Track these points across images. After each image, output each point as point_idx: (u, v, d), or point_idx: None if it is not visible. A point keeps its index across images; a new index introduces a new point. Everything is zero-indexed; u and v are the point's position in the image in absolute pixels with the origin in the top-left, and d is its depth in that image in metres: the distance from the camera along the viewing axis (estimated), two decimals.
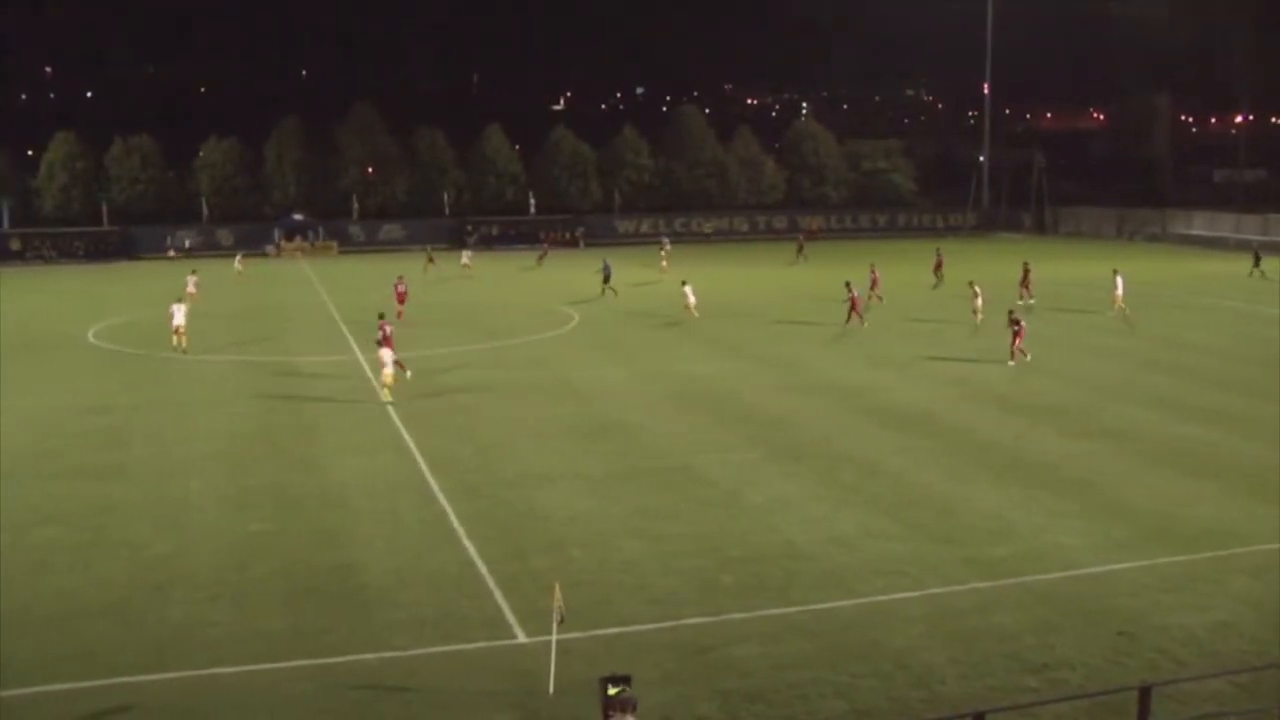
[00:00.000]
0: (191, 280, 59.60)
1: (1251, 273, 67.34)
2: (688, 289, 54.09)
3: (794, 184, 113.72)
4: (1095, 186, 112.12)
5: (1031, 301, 55.52)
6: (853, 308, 49.82)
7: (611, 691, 13.59)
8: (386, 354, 37.71)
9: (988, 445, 30.86)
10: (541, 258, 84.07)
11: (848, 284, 50.93)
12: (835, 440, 31.52)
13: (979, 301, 49.39)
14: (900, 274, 66.95)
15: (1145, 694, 14.70)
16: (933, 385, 38.54)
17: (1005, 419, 33.81)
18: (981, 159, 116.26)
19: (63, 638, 19.31)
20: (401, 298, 55.28)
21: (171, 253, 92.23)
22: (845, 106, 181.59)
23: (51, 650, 18.85)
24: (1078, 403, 35.68)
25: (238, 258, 79.94)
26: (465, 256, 78.51)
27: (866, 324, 49.99)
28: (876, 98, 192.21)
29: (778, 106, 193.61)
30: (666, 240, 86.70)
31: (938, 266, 65.58)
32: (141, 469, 29.42)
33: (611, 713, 13.58)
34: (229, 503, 26.52)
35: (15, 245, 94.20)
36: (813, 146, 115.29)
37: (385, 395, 36.96)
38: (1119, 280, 53.04)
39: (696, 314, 53.10)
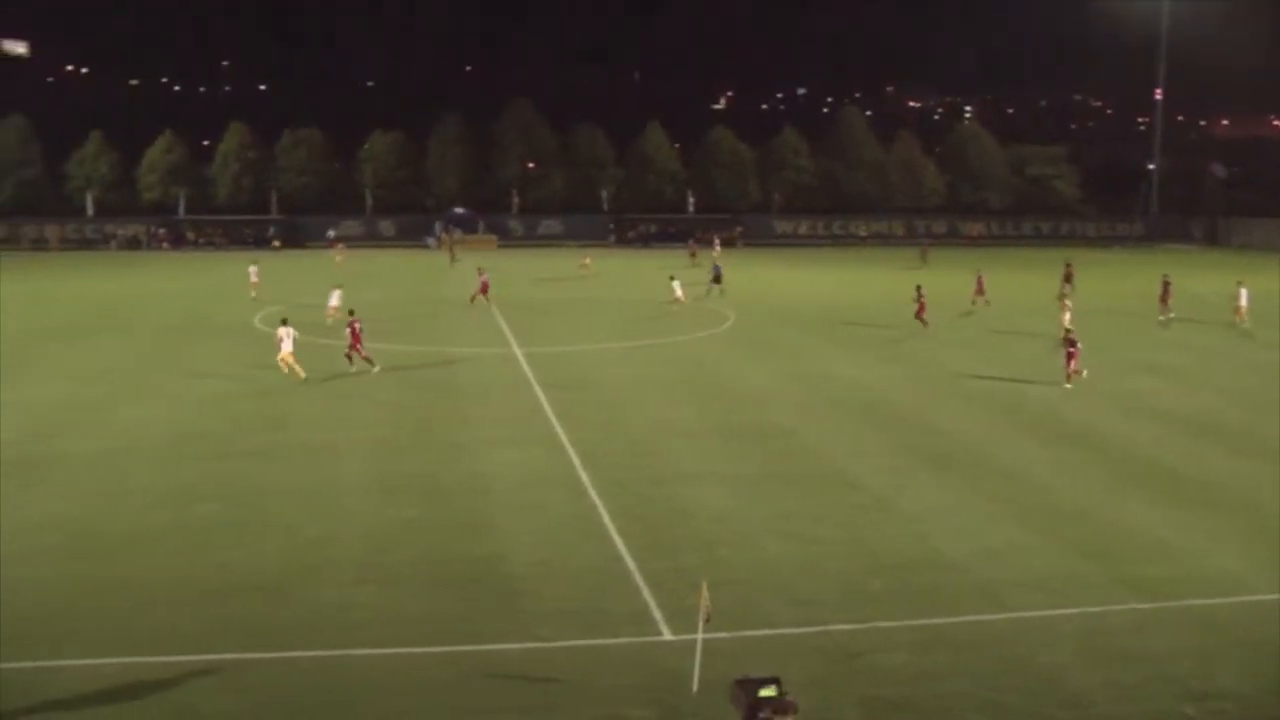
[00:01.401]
0: (253, 270, 62.05)
1: None
2: (675, 283, 57.05)
3: (954, 189, 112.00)
4: (1276, 198, 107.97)
5: (1165, 317, 53.98)
6: (920, 310, 50.40)
7: (765, 693, 13.34)
8: (285, 333, 38.68)
9: (1145, 461, 29.96)
10: (693, 256, 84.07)
11: (918, 287, 51.55)
12: (986, 449, 30.92)
13: (1067, 316, 47.64)
14: (1037, 283, 65.29)
15: None
16: (1084, 396, 37.56)
17: (1164, 434, 32.80)
18: (1151, 167, 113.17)
19: (220, 611, 19.82)
20: (485, 288, 57.98)
21: (339, 245, 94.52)
22: (1010, 110, 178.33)
23: (210, 622, 19.36)
24: (1241, 421, 34.45)
25: (339, 248, 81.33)
26: (587, 258, 77.86)
27: (928, 327, 50.47)
28: (1042, 102, 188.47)
29: (940, 109, 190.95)
30: (717, 241, 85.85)
31: (1067, 277, 64.27)
32: (297, 452, 30.10)
33: (763, 714, 13.34)
34: (380, 488, 26.96)
35: (190, 233, 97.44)
36: (975, 151, 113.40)
37: (299, 374, 38.45)
38: (1243, 292, 51.67)
39: (686, 302, 56.52)
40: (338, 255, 78.42)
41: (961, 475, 28.49)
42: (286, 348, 38.67)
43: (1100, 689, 17.38)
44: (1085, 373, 39.12)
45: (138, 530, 23.90)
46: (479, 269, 60.02)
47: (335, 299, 50.81)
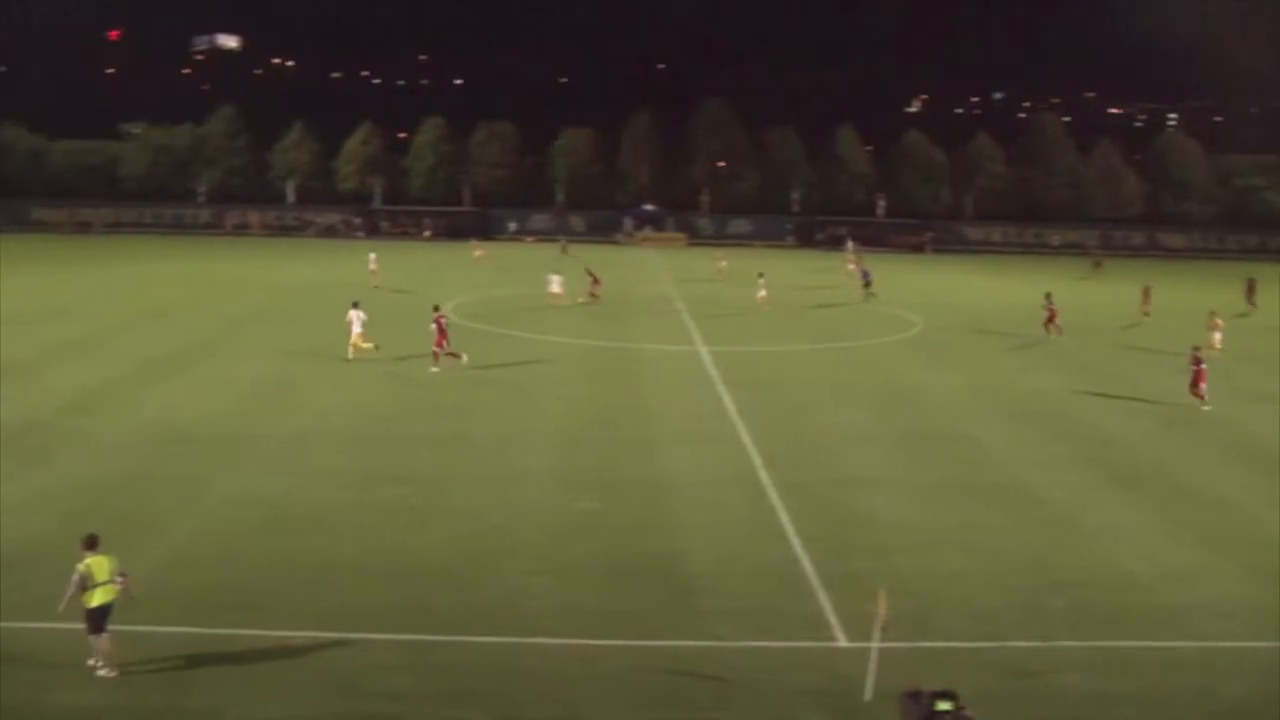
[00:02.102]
0: (372, 258, 64.10)
1: None
2: (761, 281, 58.25)
3: (1154, 199, 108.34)
4: None
5: None
6: (1050, 319, 50.20)
7: (941, 706, 13.19)
8: (355, 316, 40.60)
9: None
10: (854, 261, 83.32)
11: (1048, 295, 51.30)
12: (1175, 468, 29.99)
13: (1217, 335, 45.03)
14: (1222, 299, 62.43)
15: None
16: (1272, 420, 36.04)
17: None
18: None
19: (402, 592, 20.39)
20: (596, 282, 57.84)
21: (529, 238, 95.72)
22: (1218, 118, 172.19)
23: (392, 602, 19.92)
24: None
25: (476, 243, 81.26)
26: (722, 260, 74.14)
27: (1062, 336, 49.79)
28: (1253, 109, 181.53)
29: (1143, 117, 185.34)
30: (850, 243, 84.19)
31: (1249, 293, 61.67)
32: (480, 441, 30.65)
33: None
34: (561, 480, 27.32)
35: (384, 223, 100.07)
36: (1178, 159, 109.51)
37: (350, 354, 40.23)
38: None
39: (766, 307, 56.33)
40: (477, 251, 78.49)
41: (1147, 494, 27.69)
42: (356, 330, 40.38)
43: None
44: (1208, 406, 36.70)
45: (327, 510, 24.69)
46: (587, 269, 59.58)
47: (556, 284, 55.24)
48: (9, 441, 29.05)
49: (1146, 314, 57.43)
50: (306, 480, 26.74)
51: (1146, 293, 58.53)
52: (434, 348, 39.69)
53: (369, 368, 39.52)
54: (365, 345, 40.40)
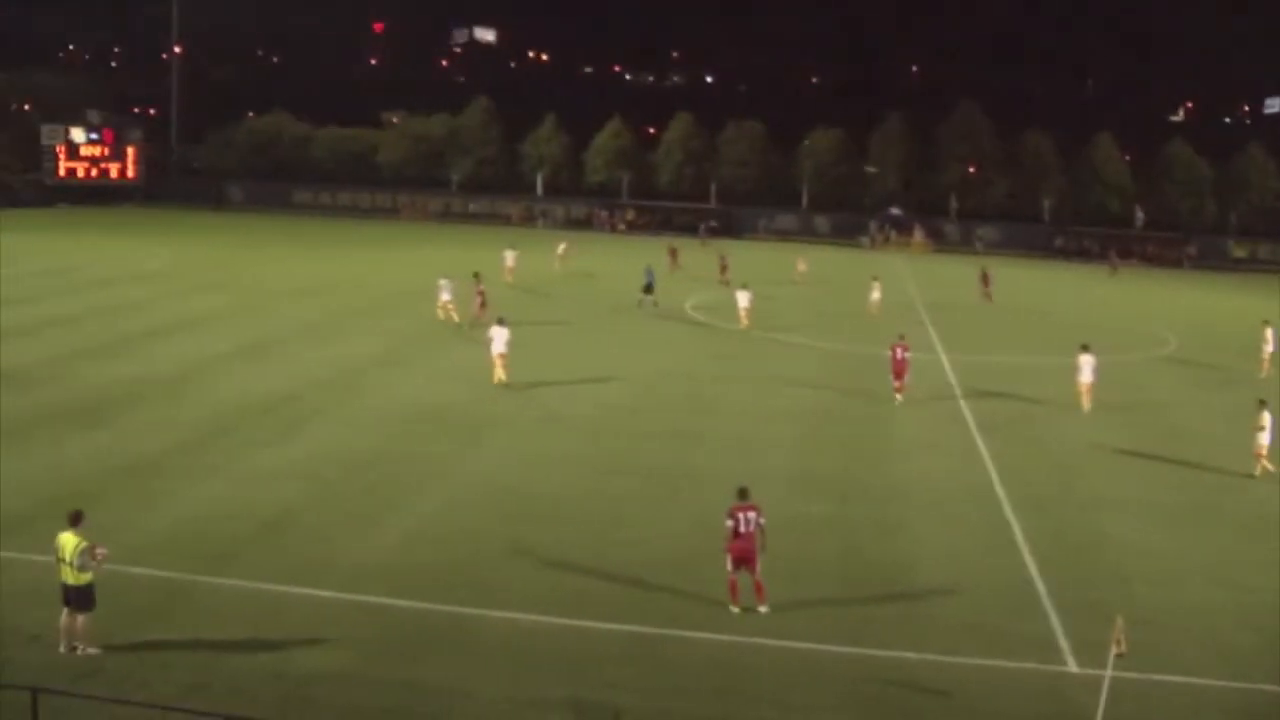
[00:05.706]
0: (510, 255, 60.78)
1: None
2: (743, 294, 48.83)
3: None
4: None
5: None
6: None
7: None
8: (444, 285, 45.78)
9: None
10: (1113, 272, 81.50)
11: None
12: None
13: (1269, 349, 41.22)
14: None
15: None
16: None
17: None
18: None
19: (627, 583, 20.65)
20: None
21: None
22: None
23: (616, 593, 20.21)
24: None
25: (561, 245, 69.62)
26: (801, 265, 71.08)
27: None
28: None
29: None
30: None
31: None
32: (718, 440, 30.67)
33: None
34: (794, 482, 27.03)
35: (630, 215, 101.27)
36: None
37: (454, 319, 45.17)
38: None
39: (746, 323, 48.07)
40: (560, 251, 68.50)
41: None
42: (445, 297, 45.48)
43: None
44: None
45: (562, 497, 25.09)
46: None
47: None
48: (266, 412, 30.57)
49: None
50: (544, 467, 27.21)
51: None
52: (476, 312, 43.89)
53: (607, 364, 39.96)
54: (452, 311, 45.15)
